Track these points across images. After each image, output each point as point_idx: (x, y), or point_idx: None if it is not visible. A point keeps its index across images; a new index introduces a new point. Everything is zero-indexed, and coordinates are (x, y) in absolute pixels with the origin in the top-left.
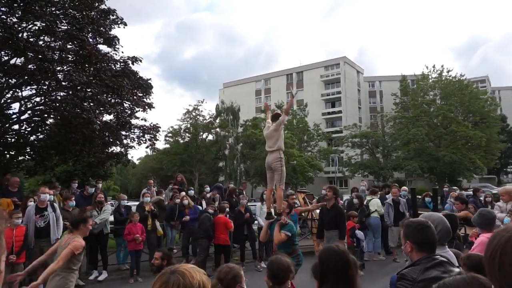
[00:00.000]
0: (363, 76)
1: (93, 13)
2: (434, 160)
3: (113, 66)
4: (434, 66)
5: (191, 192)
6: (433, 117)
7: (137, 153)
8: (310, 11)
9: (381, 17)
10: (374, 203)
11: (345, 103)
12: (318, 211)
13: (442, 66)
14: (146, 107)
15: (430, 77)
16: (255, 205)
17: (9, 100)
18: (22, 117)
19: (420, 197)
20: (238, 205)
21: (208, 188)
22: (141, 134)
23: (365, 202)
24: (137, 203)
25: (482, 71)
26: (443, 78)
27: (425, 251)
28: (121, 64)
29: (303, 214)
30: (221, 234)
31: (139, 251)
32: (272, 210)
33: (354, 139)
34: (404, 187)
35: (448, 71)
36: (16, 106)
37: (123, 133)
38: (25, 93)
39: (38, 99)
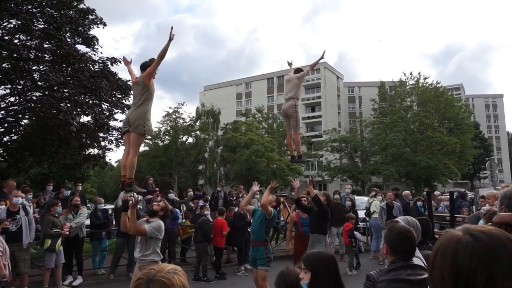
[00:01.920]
0: (342, 81)
1: (71, 12)
2: (410, 165)
3: (91, 67)
4: (411, 73)
5: (171, 195)
6: (410, 123)
7: (115, 155)
8: (290, 15)
9: (361, 22)
10: (375, 205)
11: (325, 108)
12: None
13: (419, 73)
14: (125, 108)
15: (407, 83)
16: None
17: None
18: None
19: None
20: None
21: (191, 192)
22: (120, 136)
23: (368, 204)
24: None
25: (457, 78)
26: (420, 85)
27: (397, 256)
28: (100, 64)
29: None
30: (216, 236)
31: None
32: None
33: (334, 143)
34: (407, 192)
35: (424, 78)
36: None
37: (101, 135)
38: None
39: (12, 99)
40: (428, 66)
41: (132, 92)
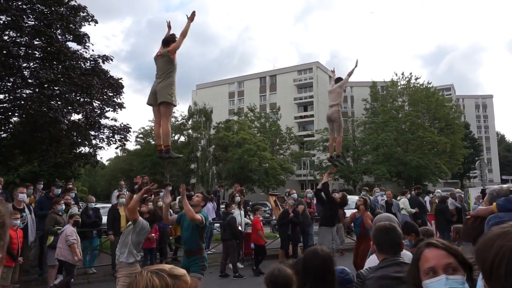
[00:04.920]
0: None
1: (62, 9)
2: (402, 164)
3: (82, 64)
4: (403, 73)
5: (162, 194)
6: (401, 122)
7: (107, 154)
8: (283, 13)
9: (354, 21)
10: (402, 202)
11: (317, 107)
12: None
13: (410, 73)
14: (117, 107)
15: (399, 84)
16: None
17: None
18: None
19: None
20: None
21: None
22: (111, 134)
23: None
24: (105, 205)
25: (448, 79)
26: (411, 85)
27: (384, 253)
28: (91, 62)
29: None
30: (254, 234)
31: (152, 249)
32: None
33: (326, 143)
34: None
35: (416, 79)
36: None
37: (92, 133)
38: None
39: (1, 96)
40: (419, 66)
41: (156, 65)
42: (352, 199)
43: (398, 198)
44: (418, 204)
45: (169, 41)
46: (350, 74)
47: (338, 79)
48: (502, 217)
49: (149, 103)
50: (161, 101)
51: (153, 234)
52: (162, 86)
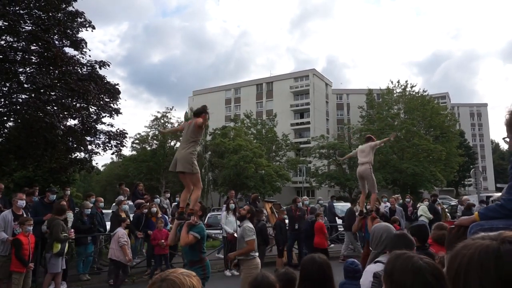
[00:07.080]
0: (331, 88)
1: (59, 14)
2: (397, 172)
3: (79, 70)
4: (398, 81)
5: (157, 200)
6: (397, 130)
7: (102, 159)
8: (280, 19)
9: (350, 29)
10: (422, 209)
11: (313, 114)
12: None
13: (406, 81)
14: (113, 112)
15: (394, 91)
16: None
17: None
18: None
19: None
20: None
21: (178, 199)
22: (107, 140)
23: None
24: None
25: (443, 86)
26: (407, 93)
27: None
28: (88, 68)
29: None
30: (317, 237)
31: (164, 254)
32: (363, 210)
33: (322, 150)
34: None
35: (411, 87)
36: None
37: (88, 138)
38: None
39: None
40: (415, 74)
41: (183, 131)
42: (347, 206)
43: (418, 205)
44: (434, 211)
45: (200, 112)
46: (383, 142)
47: (369, 138)
48: (483, 225)
49: (171, 170)
50: (179, 170)
51: (163, 240)
52: (183, 154)
